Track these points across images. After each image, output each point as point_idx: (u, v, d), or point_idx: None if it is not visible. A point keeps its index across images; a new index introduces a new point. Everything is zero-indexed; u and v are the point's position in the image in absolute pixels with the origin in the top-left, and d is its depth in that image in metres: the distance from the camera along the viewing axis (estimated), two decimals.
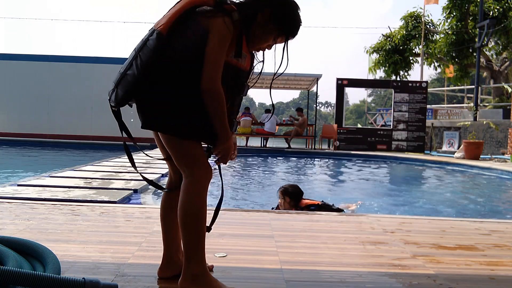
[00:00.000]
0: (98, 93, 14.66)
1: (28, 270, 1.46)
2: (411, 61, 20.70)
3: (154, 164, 7.01)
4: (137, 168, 1.81)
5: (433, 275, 2.06)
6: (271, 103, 1.90)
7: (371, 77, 20.94)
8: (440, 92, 25.66)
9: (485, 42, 14.69)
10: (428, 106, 16.61)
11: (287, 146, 13.98)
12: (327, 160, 12.36)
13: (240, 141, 14.27)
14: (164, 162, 1.88)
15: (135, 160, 1.81)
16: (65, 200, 3.72)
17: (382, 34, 21.40)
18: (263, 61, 1.82)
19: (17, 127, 15.73)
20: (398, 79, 20.07)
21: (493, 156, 11.41)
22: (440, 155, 12.53)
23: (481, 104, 17.54)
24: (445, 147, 13.38)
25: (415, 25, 20.35)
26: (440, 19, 20.95)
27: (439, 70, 20.80)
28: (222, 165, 1.77)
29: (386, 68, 20.50)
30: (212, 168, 1.72)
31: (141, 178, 1.85)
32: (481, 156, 11.03)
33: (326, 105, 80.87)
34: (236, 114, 1.80)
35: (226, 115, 1.63)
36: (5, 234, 2.28)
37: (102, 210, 3.22)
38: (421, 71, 19.38)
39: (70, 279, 1.47)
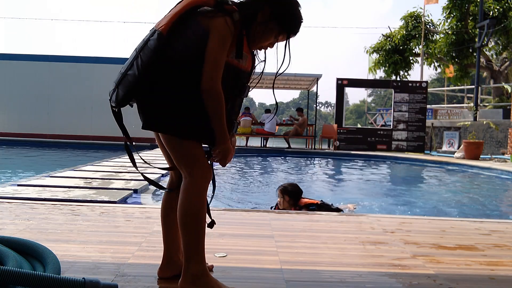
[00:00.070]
0: (98, 93, 14.67)
1: (28, 270, 1.46)
2: (411, 61, 20.71)
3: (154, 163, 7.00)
4: (138, 168, 1.81)
5: (433, 275, 2.06)
6: (271, 103, 1.93)
7: (371, 77, 20.97)
8: (440, 92, 25.66)
9: (485, 42, 14.69)
10: (428, 106, 16.60)
11: (287, 146, 13.98)
12: (327, 160, 12.36)
13: (240, 141, 14.26)
14: (165, 161, 1.88)
15: (136, 160, 1.81)
16: (65, 200, 3.72)
17: (382, 34, 21.42)
18: (264, 60, 1.81)
19: (17, 127, 15.73)
20: (398, 79, 20.07)
21: (493, 156, 11.41)
22: (440, 155, 12.52)
23: (481, 104, 17.53)
24: (445, 147, 13.37)
25: (415, 25, 20.35)
26: (440, 19, 21.00)
27: (439, 70, 20.81)
28: (221, 167, 1.77)
29: (386, 68, 20.51)
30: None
31: (141, 178, 1.85)
32: (481, 156, 11.02)
33: (326, 105, 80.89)
34: (237, 115, 1.80)
35: (224, 116, 1.63)
36: (5, 234, 2.28)
37: (102, 210, 3.23)
38: (421, 71, 19.40)
39: (70, 279, 1.47)
